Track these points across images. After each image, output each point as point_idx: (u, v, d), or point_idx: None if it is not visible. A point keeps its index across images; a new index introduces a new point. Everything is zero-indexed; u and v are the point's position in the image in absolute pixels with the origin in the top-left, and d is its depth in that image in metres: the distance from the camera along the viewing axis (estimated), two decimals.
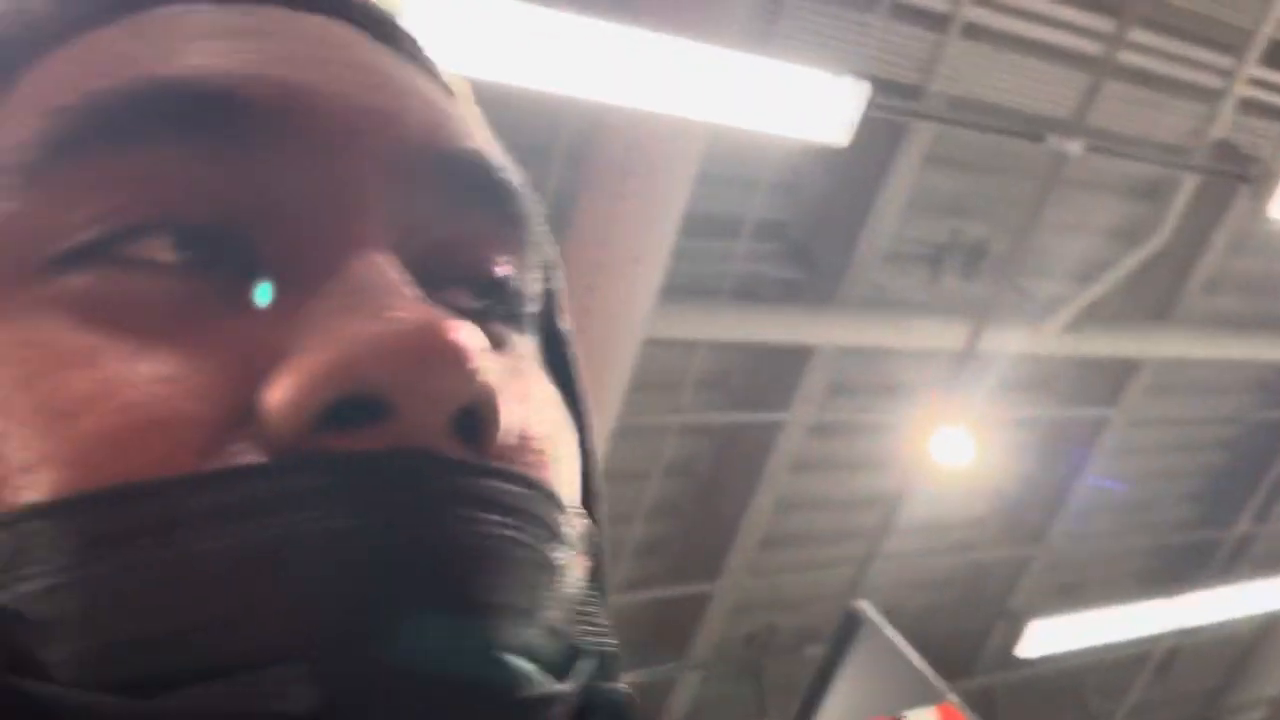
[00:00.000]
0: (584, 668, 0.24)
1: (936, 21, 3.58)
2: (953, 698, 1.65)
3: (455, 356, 0.22)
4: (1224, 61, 4.03)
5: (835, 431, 4.53)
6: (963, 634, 5.52)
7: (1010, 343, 3.95)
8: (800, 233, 4.09)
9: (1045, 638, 4.80)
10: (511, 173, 0.28)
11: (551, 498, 0.24)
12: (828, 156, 3.59)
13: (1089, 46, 3.68)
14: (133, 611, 0.21)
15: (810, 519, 4.77)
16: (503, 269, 0.28)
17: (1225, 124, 4.06)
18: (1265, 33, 3.98)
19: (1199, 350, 4.89)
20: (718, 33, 2.44)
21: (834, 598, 4.39)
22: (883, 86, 3.38)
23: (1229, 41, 4.02)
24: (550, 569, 0.23)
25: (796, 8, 3.28)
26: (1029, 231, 3.43)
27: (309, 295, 0.23)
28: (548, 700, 0.23)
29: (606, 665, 0.26)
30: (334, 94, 0.25)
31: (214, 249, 0.24)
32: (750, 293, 3.99)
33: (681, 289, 3.42)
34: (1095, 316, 4.43)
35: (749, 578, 4.62)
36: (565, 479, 0.26)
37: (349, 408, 0.22)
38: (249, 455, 0.22)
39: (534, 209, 0.29)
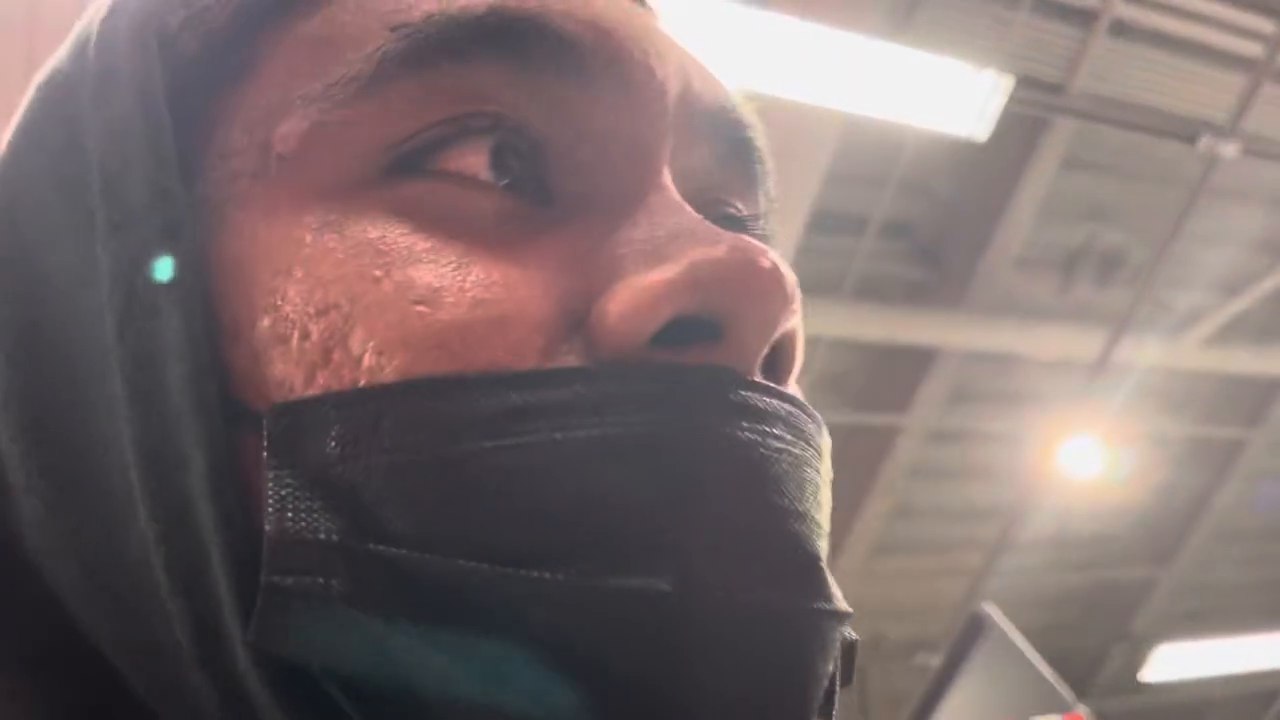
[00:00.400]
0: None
1: (1083, 18, 3.46)
2: (1082, 708, 1.58)
3: (787, 291, 0.23)
4: None
5: (956, 438, 4.41)
6: (1079, 654, 5.33)
7: (1146, 355, 3.79)
8: (928, 234, 4.00)
9: (1170, 663, 4.61)
10: (759, 134, 0.30)
11: (823, 433, 0.26)
12: (960, 156, 3.50)
13: (1247, 48, 3.50)
14: (486, 493, 0.21)
15: (925, 527, 4.66)
16: (748, 220, 0.30)
17: None
18: None
19: None
20: (855, 20, 2.40)
21: (947, 609, 4.28)
22: (1023, 83, 3.28)
23: None
24: (828, 497, 0.25)
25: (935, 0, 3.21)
26: (1171, 239, 3.29)
27: (617, 223, 0.25)
28: (845, 619, 0.24)
29: None
30: (634, 39, 0.27)
31: (522, 169, 0.26)
32: (873, 292, 3.91)
33: (802, 285, 3.38)
34: (1239, 331, 4.22)
35: (858, 584, 4.54)
36: None
37: (683, 326, 0.23)
38: (583, 363, 0.23)
39: (769, 171, 0.31)
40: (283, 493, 0.22)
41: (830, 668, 0.24)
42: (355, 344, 0.23)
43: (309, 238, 0.24)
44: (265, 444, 0.22)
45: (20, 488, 0.26)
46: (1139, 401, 4.02)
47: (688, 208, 0.25)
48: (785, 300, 0.24)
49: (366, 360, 0.23)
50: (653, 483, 0.22)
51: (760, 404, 0.23)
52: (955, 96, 2.43)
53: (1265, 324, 4.42)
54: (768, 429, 0.23)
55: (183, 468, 0.23)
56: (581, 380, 0.22)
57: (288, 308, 0.24)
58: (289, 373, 0.23)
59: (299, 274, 0.24)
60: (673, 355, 0.23)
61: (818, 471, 0.25)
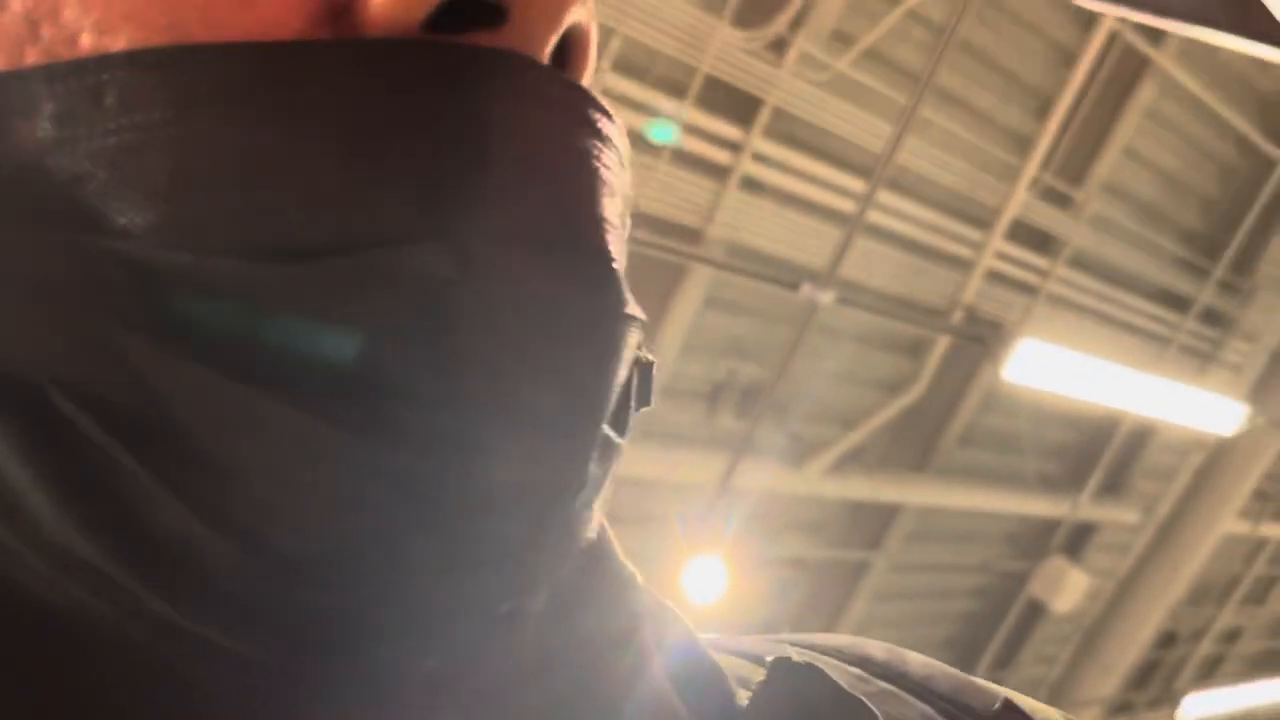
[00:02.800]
0: None
1: (718, 172, 3.79)
2: None
3: None
4: (975, 234, 4.41)
5: None
6: None
7: (773, 481, 4.08)
8: None
9: None
10: None
11: (618, 131, 0.24)
12: None
13: (848, 205, 3.96)
14: (236, 175, 0.19)
15: None
16: None
17: (973, 291, 4.41)
18: (1009, 212, 4.38)
19: (954, 500, 5.17)
20: None
21: None
22: (666, 228, 3.53)
23: (979, 217, 4.41)
24: (624, 204, 0.24)
25: None
26: (795, 376, 3.60)
27: None
28: (639, 324, 0.23)
29: None
30: None
31: None
32: None
33: None
34: (860, 462, 4.63)
35: None
36: None
37: (460, 9, 0.21)
38: None
39: None
40: None
41: (624, 372, 0.23)
42: (69, 17, 0.19)
43: None
44: None
45: None
46: (769, 526, 4.31)
47: None
48: None
49: (85, 39, 0.19)
50: (434, 160, 0.19)
51: (551, 91, 0.21)
52: None
53: (883, 455, 4.89)
54: (559, 118, 0.21)
55: None
56: (343, 51, 0.19)
57: None
58: None
59: None
60: (450, 39, 0.20)
61: (611, 170, 0.23)
